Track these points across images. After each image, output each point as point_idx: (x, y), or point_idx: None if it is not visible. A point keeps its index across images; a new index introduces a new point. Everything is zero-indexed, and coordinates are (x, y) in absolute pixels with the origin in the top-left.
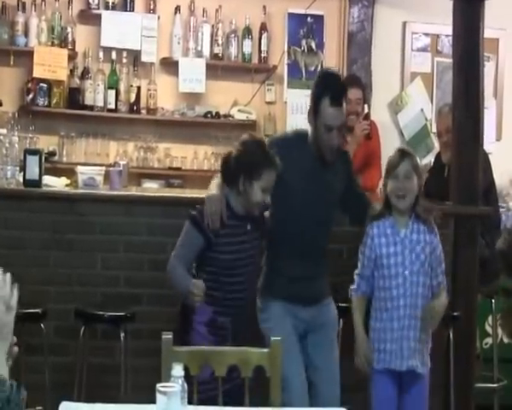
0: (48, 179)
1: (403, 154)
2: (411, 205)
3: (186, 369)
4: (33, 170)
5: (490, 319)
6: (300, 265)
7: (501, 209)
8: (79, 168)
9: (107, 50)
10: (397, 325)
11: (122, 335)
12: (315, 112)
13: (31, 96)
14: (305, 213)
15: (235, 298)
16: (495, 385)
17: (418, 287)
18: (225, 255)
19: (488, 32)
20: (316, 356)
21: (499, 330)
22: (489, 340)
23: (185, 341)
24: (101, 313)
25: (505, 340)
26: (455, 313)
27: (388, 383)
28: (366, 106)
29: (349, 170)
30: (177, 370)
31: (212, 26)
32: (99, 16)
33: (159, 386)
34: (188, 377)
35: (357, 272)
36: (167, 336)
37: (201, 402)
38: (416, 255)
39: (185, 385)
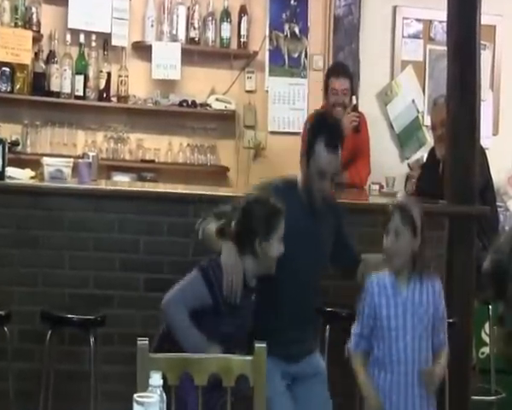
0: (11, 171)
1: (394, 207)
2: (406, 263)
3: (164, 378)
4: None
5: (487, 326)
6: (290, 327)
7: (498, 209)
8: (45, 160)
9: (75, 33)
10: (397, 389)
11: (92, 339)
12: (308, 155)
13: None
14: (294, 264)
15: None
16: (492, 398)
17: (421, 353)
18: (228, 328)
19: (484, 19)
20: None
21: None
22: (486, 349)
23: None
24: (69, 315)
25: None
26: (450, 320)
27: None
28: (354, 97)
29: (341, 223)
30: (156, 379)
31: (188, 8)
32: None
33: (136, 396)
34: (165, 386)
35: (355, 330)
36: (143, 341)
37: None
38: (419, 319)
39: (164, 395)
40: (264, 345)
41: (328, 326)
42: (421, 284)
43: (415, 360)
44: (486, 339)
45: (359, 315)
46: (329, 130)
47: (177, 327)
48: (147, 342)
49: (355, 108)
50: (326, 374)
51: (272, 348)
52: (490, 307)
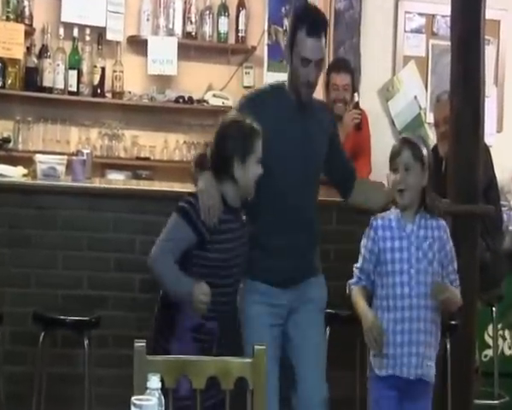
0: (3, 169)
1: (403, 143)
2: (415, 199)
3: (161, 381)
4: None
5: (490, 328)
6: (285, 234)
7: (502, 208)
8: (38, 157)
9: (69, 27)
10: (401, 327)
11: (86, 342)
12: (291, 45)
13: None
14: (288, 166)
15: (223, 301)
16: (496, 402)
17: (426, 287)
18: (219, 254)
19: (488, 13)
20: (296, 336)
21: (500, 341)
22: (489, 352)
23: (165, 349)
24: (62, 317)
25: (507, 352)
26: (452, 322)
27: (392, 392)
28: (356, 94)
29: (333, 127)
30: (154, 381)
31: (185, 1)
32: None
33: (134, 399)
34: (163, 389)
35: (357, 265)
36: (140, 343)
37: None
38: (424, 253)
39: (162, 398)
40: (263, 347)
41: (328, 328)
42: (425, 219)
43: (419, 295)
44: (489, 341)
45: (362, 250)
46: (311, 17)
47: (165, 280)
48: (144, 343)
49: (357, 106)
50: (324, 301)
51: (264, 266)
52: (493, 308)
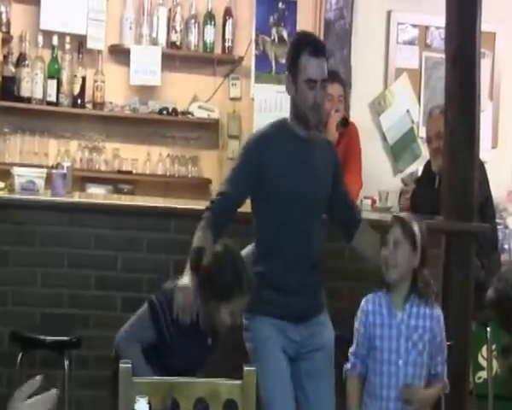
0: None
1: (394, 219)
2: (404, 279)
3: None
4: None
5: (484, 349)
6: (293, 271)
7: (497, 226)
8: (17, 170)
9: (48, 34)
10: None
11: (66, 363)
12: (294, 72)
13: None
14: (298, 202)
15: None
16: None
17: (414, 379)
18: (176, 363)
19: (484, 26)
20: (309, 388)
21: (494, 363)
22: (483, 374)
23: None
24: (41, 337)
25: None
26: (446, 343)
27: None
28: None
29: (337, 169)
30: (142, 404)
31: (170, 9)
32: None
33: None
34: None
35: (352, 350)
36: (126, 365)
37: None
38: (413, 344)
39: None
40: (253, 368)
41: None
42: (418, 307)
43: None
44: (484, 363)
45: (355, 334)
46: (312, 39)
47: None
48: (130, 365)
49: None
50: (333, 345)
51: (272, 301)
52: (488, 328)
